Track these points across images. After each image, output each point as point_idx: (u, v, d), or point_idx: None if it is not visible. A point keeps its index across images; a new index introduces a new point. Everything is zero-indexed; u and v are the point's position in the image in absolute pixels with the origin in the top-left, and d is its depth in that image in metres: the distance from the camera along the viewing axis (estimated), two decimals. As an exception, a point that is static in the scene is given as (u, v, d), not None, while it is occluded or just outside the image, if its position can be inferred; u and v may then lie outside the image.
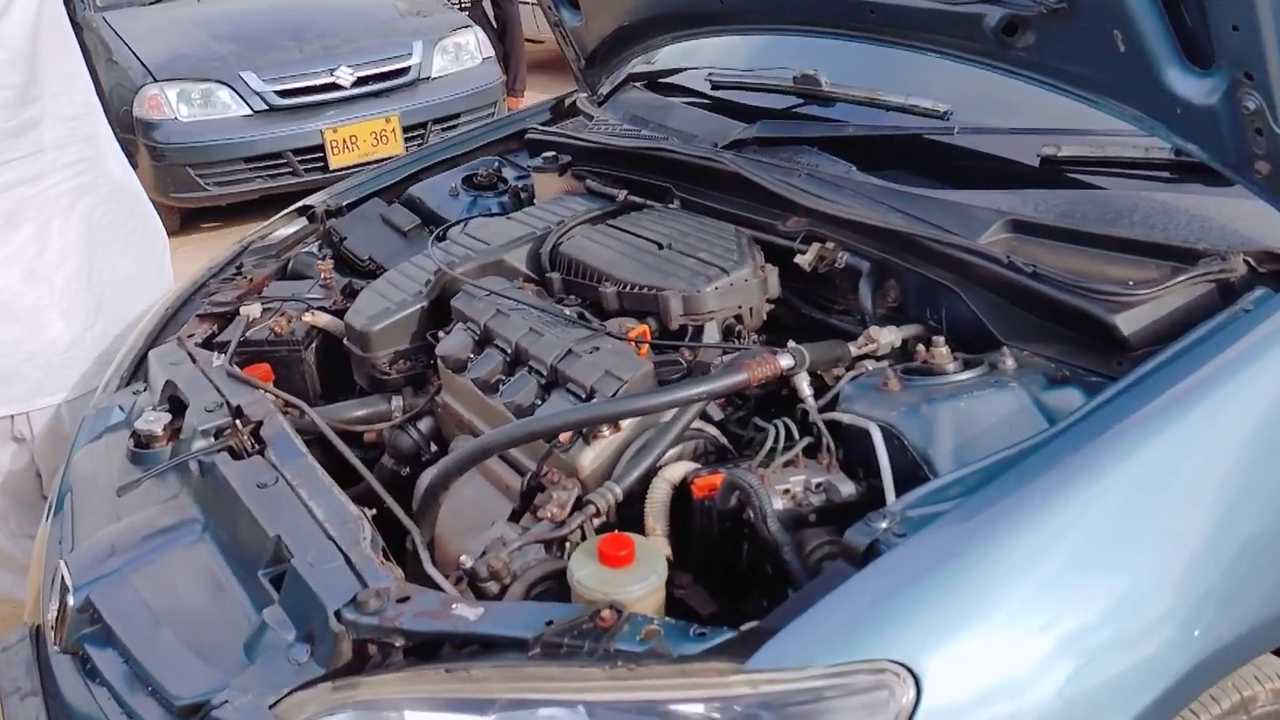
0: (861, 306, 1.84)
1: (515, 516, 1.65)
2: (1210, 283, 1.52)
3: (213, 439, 1.82)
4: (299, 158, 5.89)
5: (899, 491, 1.38)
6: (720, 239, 1.97)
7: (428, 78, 6.27)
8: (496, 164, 2.78)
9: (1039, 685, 1.20)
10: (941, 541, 1.21)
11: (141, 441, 1.93)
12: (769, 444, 1.49)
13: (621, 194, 2.31)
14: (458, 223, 2.45)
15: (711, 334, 1.83)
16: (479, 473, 1.78)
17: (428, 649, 1.33)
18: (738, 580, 1.53)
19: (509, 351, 1.84)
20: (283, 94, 5.87)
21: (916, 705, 1.13)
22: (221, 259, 2.59)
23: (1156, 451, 1.31)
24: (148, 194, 3.13)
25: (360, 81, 6.03)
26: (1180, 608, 1.30)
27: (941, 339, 1.57)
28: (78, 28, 2.96)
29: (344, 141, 5.93)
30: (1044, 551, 1.24)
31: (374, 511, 1.57)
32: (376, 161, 5.79)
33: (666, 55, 2.85)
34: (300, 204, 2.76)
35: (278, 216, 2.76)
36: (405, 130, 6.09)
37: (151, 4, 6.68)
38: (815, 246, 1.90)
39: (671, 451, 1.58)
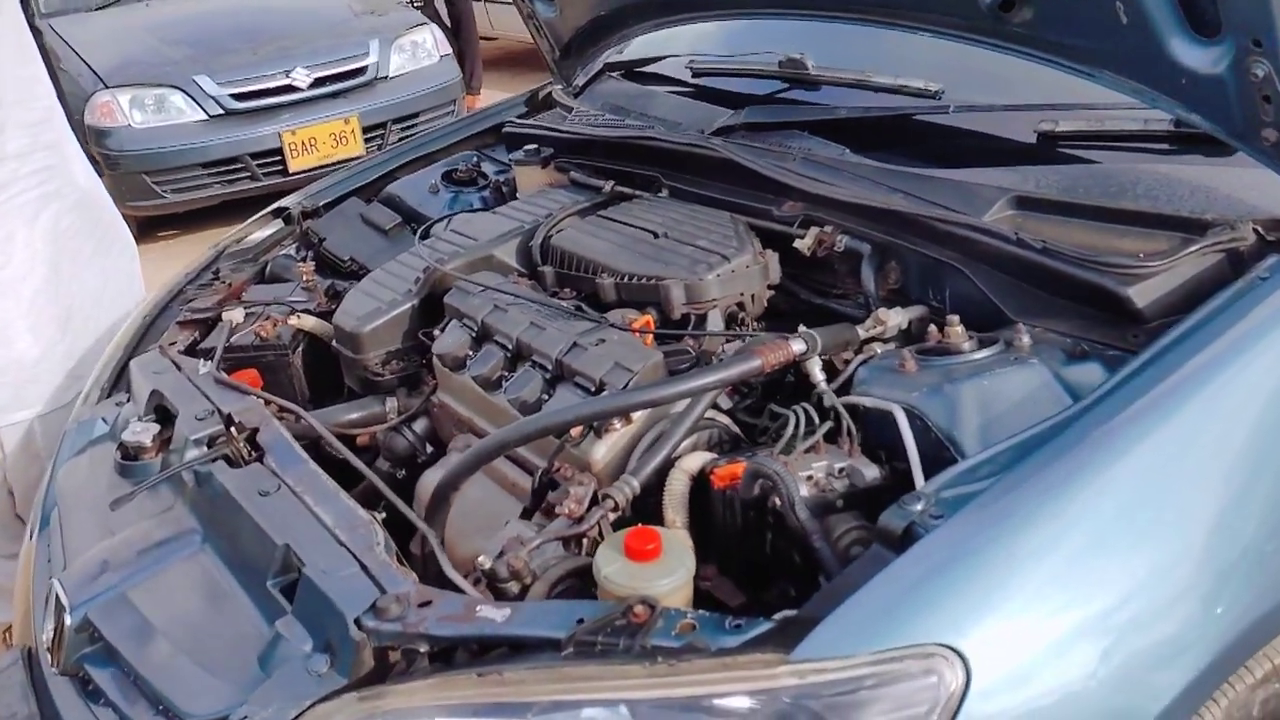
0: (864, 289, 1.82)
1: (527, 514, 1.62)
2: (1220, 252, 1.51)
3: (206, 448, 1.76)
4: (257, 161, 5.80)
5: (924, 473, 1.36)
6: (717, 226, 1.95)
7: (385, 77, 6.19)
8: (475, 159, 2.74)
9: (1082, 662, 1.18)
10: (981, 521, 1.19)
11: (130, 453, 1.87)
12: (790, 430, 1.46)
13: (608, 185, 2.28)
14: (441, 219, 2.41)
15: (715, 322, 1.81)
16: (483, 472, 1.74)
17: (450, 654, 1.29)
18: (759, 570, 1.51)
19: (509, 347, 1.81)
20: (238, 97, 5.78)
21: (966, 688, 1.11)
22: (198, 264, 2.53)
23: (1186, 421, 1.31)
24: (106, 203, 3.05)
25: (317, 83, 5.95)
26: (1205, 580, 1.29)
27: (956, 318, 1.55)
28: (36, 32, 2.86)
29: (303, 144, 5.85)
30: (1077, 528, 1.23)
31: (383, 515, 1.53)
32: (337, 164, 5.78)
33: (637, 45, 2.81)
34: (275, 206, 2.71)
35: (252, 219, 2.69)
36: (365, 130, 6.02)
37: (98, 9, 6.56)
38: (814, 230, 1.88)
39: (686, 442, 1.55)
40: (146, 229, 6.01)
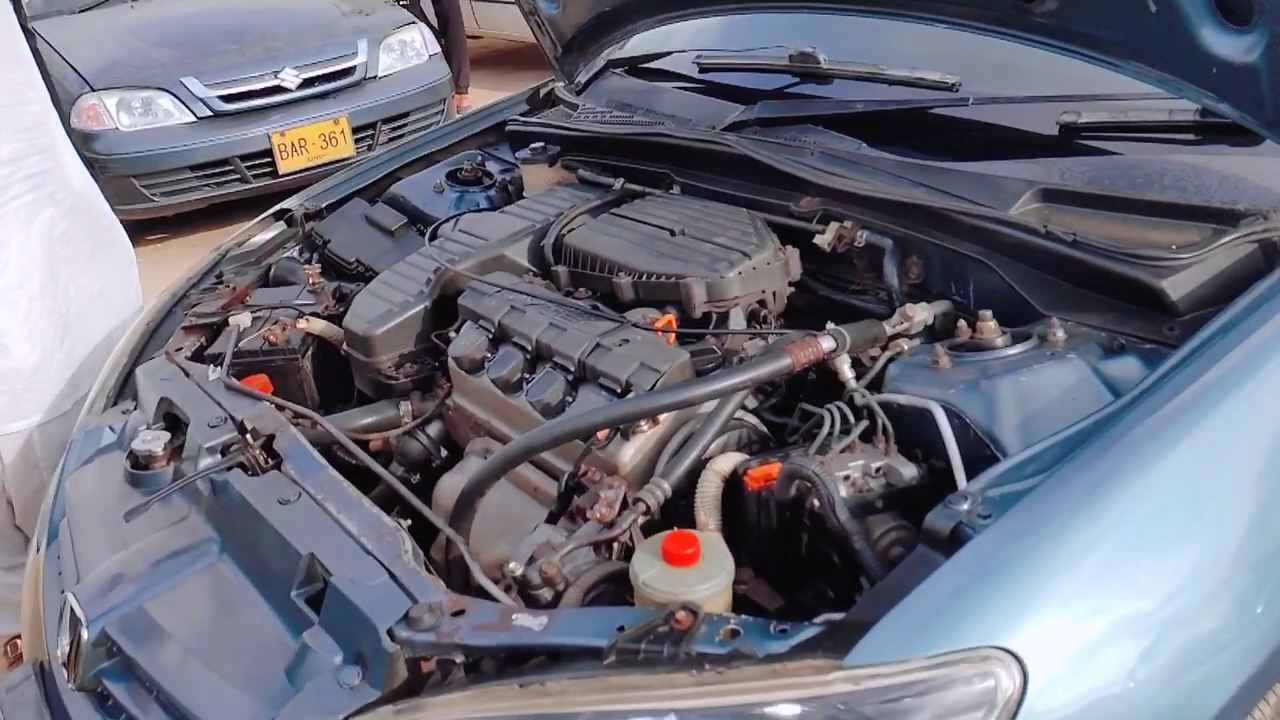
0: (887, 284, 1.80)
1: (552, 518, 1.59)
2: (1254, 243, 1.49)
3: (220, 456, 1.73)
4: (247, 163, 5.74)
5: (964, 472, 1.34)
6: (735, 223, 1.92)
7: (374, 77, 6.14)
8: (479, 158, 2.70)
9: (1130, 660, 1.16)
10: (1032, 521, 1.17)
11: (140, 462, 1.83)
12: (825, 430, 1.44)
13: (618, 182, 2.25)
14: (449, 219, 2.37)
15: (737, 320, 1.78)
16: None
17: (478, 664, 1.26)
18: (791, 572, 1.48)
19: (529, 348, 1.77)
20: (227, 99, 5.72)
21: (1024, 690, 1.08)
22: (199, 268, 2.48)
23: (1227, 416, 1.29)
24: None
25: (306, 83, 5.89)
26: (1243, 578, 1.27)
27: (989, 313, 1.53)
28: (30, 35, 2.81)
29: (292, 145, 5.79)
30: (1121, 526, 1.20)
31: (409, 523, 1.50)
32: (327, 165, 5.74)
33: (636, 42, 2.78)
34: (277, 208, 2.66)
35: (255, 221, 2.65)
36: (354, 131, 5.96)
37: (82, 12, 6.48)
38: (834, 226, 1.86)
39: (716, 443, 1.53)
40: (135, 233, 5.84)
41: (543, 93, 2.91)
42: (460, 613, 1.28)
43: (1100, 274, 1.53)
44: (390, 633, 1.27)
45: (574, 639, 1.21)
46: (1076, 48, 1.70)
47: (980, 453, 1.36)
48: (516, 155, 2.54)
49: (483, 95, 7.17)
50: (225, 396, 1.86)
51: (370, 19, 6.44)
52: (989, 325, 1.52)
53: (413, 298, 2.04)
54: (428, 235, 2.24)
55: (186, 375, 1.97)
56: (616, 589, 1.38)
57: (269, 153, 5.74)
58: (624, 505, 1.47)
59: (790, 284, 1.87)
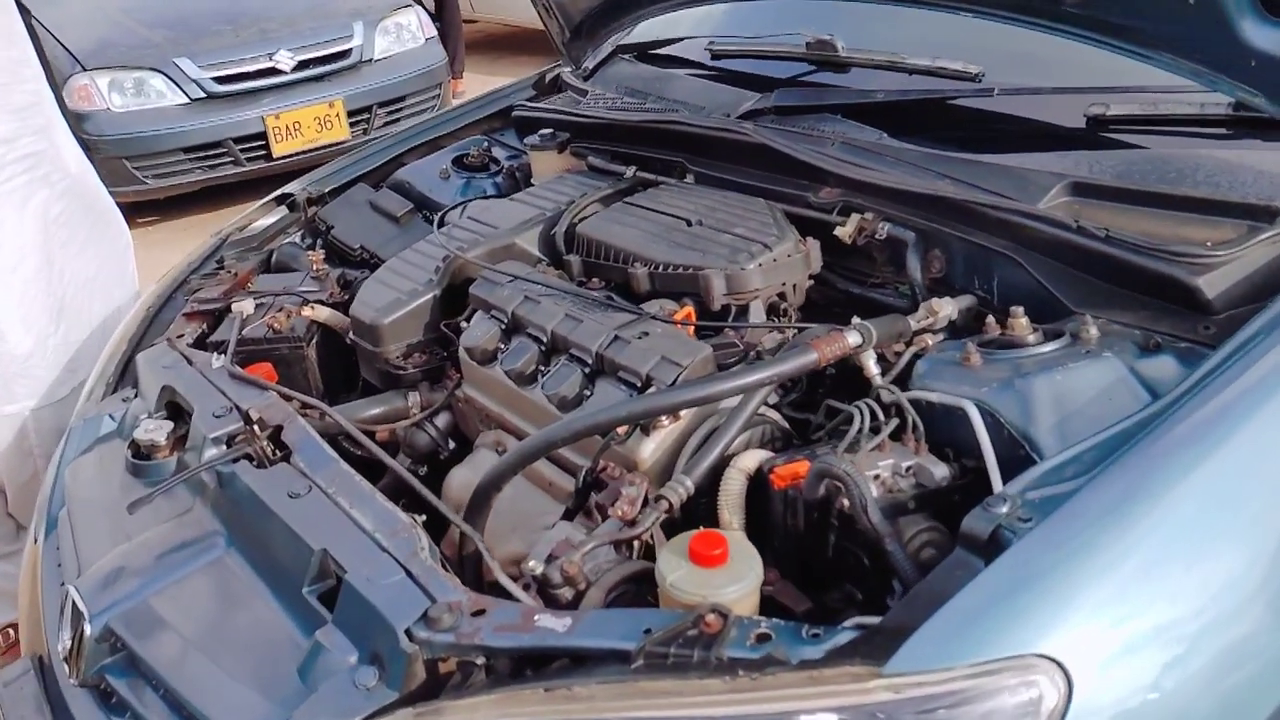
0: (910, 278, 1.76)
1: (568, 515, 1.55)
2: (1291, 241, 1.46)
3: (225, 446, 1.68)
4: (240, 146, 5.69)
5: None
6: (753, 213, 1.88)
7: (370, 59, 6.09)
8: (486, 144, 2.65)
9: (1178, 668, 1.13)
10: (1076, 526, 1.13)
11: (142, 452, 1.79)
12: (855, 427, 1.40)
13: (629, 170, 2.21)
14: (456, 206, 2.32)
15: (757, 313, 1.74)
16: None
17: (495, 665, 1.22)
18: (816, 572, 1.45)
19: (544, 340, 1.73)
20: (220, 80, 5.66)
21: (1069, 699, 1.05)
22: (200, 253, 2.43)
23: (1272, 417, 1.25)
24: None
25: (301, 65, 5.84)
26: None
27: (1020, 310, 1.49)
28: (24, 11, 2.75)
29: (287, 128, 5.73)
30: (1160, 530, 1.17)
31: (424, 518, 1.46)
32: (322, 148, 5.67)
33: (643, 28, 2.73)
34: (279, 192, 2.61)
35: (256, 206, 2.60)
36: (350, 114, 5.91)
37: (73, -11, 6.39)
38: (855, 218, 1.82)
39: (739, 439, 1.49)
40: (125, 215, 5.84)
41: (549, 78, 2.86)
42: (481, 612, 1.24)
43: (1133, 270, 1.50)
44: (409, 633, 1.23)
45: (600, 641, 1.17)
46: (1109, 39, 1.66)
47: (1014, 453, 1.32)
48: (525, 141, 2.49)
49: (478, 80, 7.12)
50: (230, 385, 1.82)
51: (366, 1, 6.36)
52: (1021, 322, 1.48)
53: (421, 286, 1.99)
54: (435, 222, 2.20)
55: (189, 363, 1.93)
56: (638, 589, 1.34)
57: (263, 135, 5.69)
58: (645, 503, 1.43)
59: (810, 277, 1.84)
